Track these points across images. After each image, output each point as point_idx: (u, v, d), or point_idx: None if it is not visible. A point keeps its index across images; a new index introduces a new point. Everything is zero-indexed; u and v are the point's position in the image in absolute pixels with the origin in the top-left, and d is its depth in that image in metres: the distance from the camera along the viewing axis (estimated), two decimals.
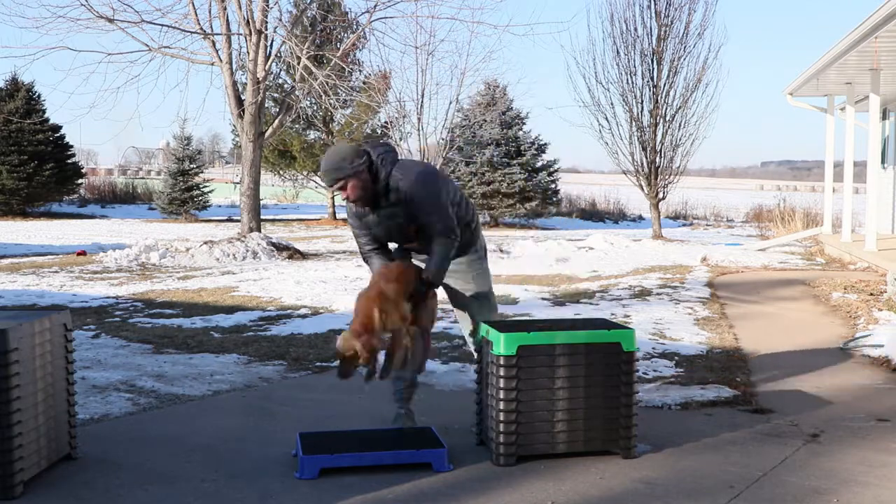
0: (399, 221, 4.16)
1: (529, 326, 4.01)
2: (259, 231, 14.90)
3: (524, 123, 27.78)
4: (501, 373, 3.81)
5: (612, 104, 20.62)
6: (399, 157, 4.16)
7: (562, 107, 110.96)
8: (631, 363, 3.94)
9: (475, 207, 4.58)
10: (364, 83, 22.16)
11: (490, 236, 21.63)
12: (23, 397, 3.50)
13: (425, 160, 23.41)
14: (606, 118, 20.65)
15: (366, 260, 4.37)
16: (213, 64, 14.70)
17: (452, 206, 4.19)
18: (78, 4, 13.69)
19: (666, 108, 20.22)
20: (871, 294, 9.09)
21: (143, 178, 47.28)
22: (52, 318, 3.81)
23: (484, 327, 4.07)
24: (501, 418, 3.82)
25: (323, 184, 4.19)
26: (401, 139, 24.83)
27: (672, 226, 27.30)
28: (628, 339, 3.94)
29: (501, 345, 3.79)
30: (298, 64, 14.46)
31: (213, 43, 14.64)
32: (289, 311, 8.35)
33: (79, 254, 14.40)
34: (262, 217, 16.92)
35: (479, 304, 4.45)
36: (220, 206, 32.60)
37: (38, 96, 28.01)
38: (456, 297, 4.50)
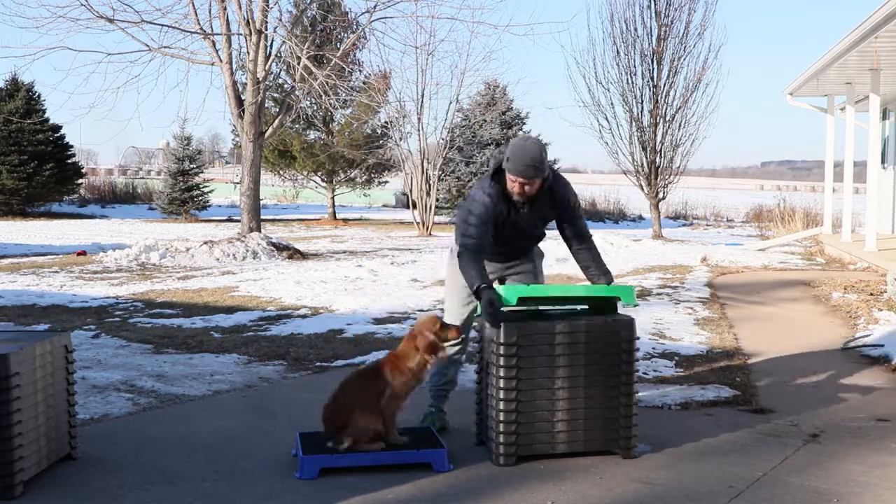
0: (536, 221, 4.33)
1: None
2: (259, 231, 14.90)
3: (524, 123, 27.78)
4: (502, 362, 3.80)
5: (612, 104, 20.68)
6: None
7: (562, 106, 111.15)
8: (631, 352, 3.93)
9: None
10: (364, 83, 22.19)
11: None
12: (23, 409, 3.50)
13: (425, 160, 23.47)
14: (606, 118, 20.70)
15: (465, 249, 4.19)
16: (213, 64, 14.70)
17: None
18: (78, 4, 13.70)
19: (666, 108, 20.23)
20: (871, 294, 9.09)
21: (143, 178, 47.21)
22: (52, 342, 3.80)
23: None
24: (501, 418, 3.82)
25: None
26: (401, 139, 24.92)
27: (672, 226, 27.29)
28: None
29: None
30: (298, 64, 14.46)
31: (213, 43, 14.64)
32: (289, 311, 8.35)
33: (79, 254, 14.40)
34: (262, 217, 16.91)
35: None
36: (220, 206, 32.59)
37: (38, 96, 27.99)
38: None
